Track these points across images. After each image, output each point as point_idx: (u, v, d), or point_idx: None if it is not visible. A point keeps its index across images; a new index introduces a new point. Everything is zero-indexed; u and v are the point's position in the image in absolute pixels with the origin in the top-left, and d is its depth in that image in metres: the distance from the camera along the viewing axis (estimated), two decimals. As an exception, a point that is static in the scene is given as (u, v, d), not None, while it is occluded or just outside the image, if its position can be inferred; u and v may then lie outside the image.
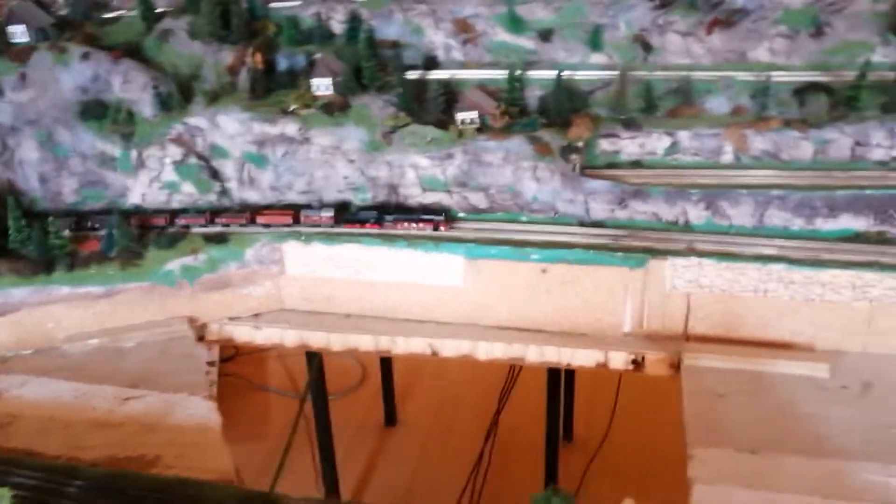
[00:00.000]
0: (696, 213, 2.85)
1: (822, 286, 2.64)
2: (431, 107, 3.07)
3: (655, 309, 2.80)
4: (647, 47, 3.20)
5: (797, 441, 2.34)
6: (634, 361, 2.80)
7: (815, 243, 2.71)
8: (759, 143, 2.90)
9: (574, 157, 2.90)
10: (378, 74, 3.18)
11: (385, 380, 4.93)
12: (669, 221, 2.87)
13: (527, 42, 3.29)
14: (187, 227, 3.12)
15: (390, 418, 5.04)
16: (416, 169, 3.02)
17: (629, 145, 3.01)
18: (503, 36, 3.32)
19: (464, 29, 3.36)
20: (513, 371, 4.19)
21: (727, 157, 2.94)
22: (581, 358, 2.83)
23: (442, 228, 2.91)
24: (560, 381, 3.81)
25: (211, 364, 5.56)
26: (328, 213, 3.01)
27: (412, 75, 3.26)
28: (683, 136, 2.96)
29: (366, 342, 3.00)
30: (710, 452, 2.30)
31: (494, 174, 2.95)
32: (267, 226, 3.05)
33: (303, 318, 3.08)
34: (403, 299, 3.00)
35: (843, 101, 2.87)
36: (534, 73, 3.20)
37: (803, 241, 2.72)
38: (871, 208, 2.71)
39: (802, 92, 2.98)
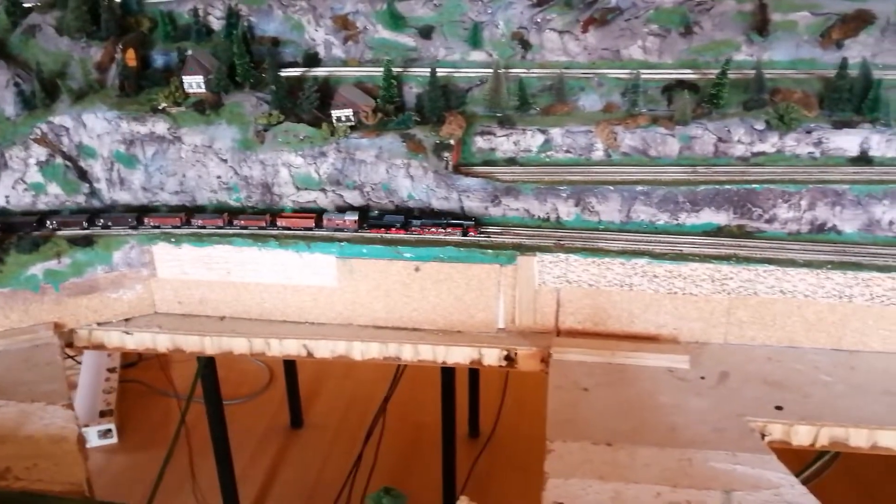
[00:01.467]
0: (566, 210, 2.89)
1: (684, 279, 2.71)
2: (305, 104, 3.03)
3: (526, 305, 2.82)
4: (526, 45, 3.23)
5: (652, 432, 2.38)
6: (507, 357, 2.82)
7: (677, 237, 2.78)
8: (628, 139, 2.95)
9: (446, 154, 2.90)
10: (252, 71, 3.12)
11: (290, 381, 4.87)
12: (541, 218, 2.90)
13: (407, 39, 3.27)
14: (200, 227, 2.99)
15: (296, 420, 4.98)
16: (290, 167, 2.97)
17: (504, 143, 3.02)
18: (384, 33, 3.30)
19: (344, 26, 3.33)
20: (398, 369, 4.18)
21: (598, 153, 2.99)
22: (456, 355, 2.84)
23: (471, 233, 2.84)
24: (453, 376, 3.81)
25: (111, 371, 5.43)
26: (352, 217, 2.90)
27: (293, 72, 3.23)
28: (556, 133, 2.99)
29: (240, 345, 2.94)
30: (567, 446, 2.33)
31: (368, 172, 2.93)
32: (288, 228, 2.93)
33: (176, 321, 3.00)
34: (278, 300, 2.96)
35: (706, 98, 2.95)
36: (413, 71, 3.20)
37: (667, 235, 2.79)
38: (730, 203, 2.78)
39: (671, 89, 3.05)
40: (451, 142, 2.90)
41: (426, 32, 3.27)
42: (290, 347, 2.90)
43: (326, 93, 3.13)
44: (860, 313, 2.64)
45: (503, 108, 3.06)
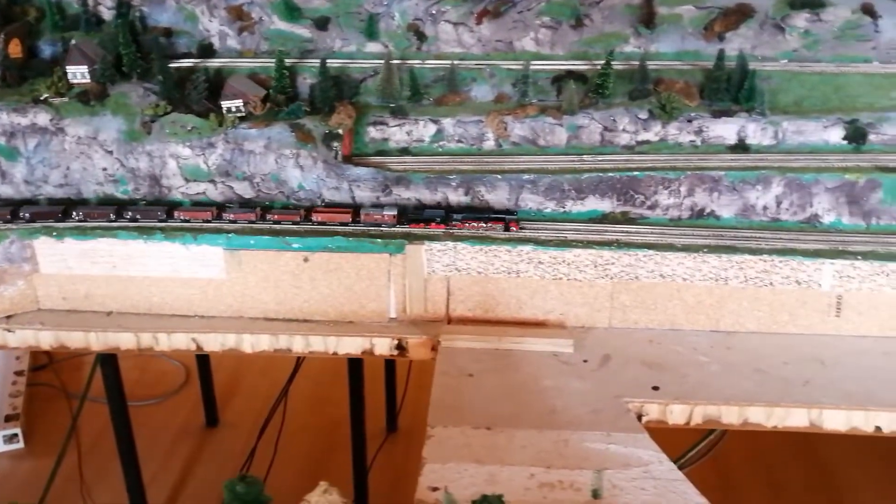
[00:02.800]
0: (456, 198, 2.91)
1: (568, 265, 2.76)
2: (193, 95, 2.99)
3: (417, 294, 2.83)
4: (421, 36, 3.24)
5: (532, 415, 2.42)
6: (399, 346, 2.82)
7: (562, 225, 2.83)
8: (517, 129, 2.99)
9: (336, 144, 2.89)
10: (139, 62, 3.06)
11: (204, 379, 4.79)
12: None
13: (303, 30, 3.26)
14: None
15: (212, 419, 4.91)
16: (178, 159, 2.92)
17: (397, 133, 3.03)
18: (279, 24, 3.27)
19: (239, 16, 3.29)
20: (298, 361, 4.15)
21: (489, 143, 3.02)
22: (347, 346, 2.83)
23: (513, 228, 2.78)
24: (361, 368, 3.80)
25: (18, 374, 5.25)
26: (391, 212, 2.82)
27: (186, 63, 3.17)
28: (448, 123, 3.01)
29: (127, 340, 2.87)
30: (447, 431, 2.35)
31: (257, 163, 2.90)
32: (322, 223, 2.84)
33: (60, 317, 2.92)
34: (166, 294, 2.90)
35: (593, 88, 3.01)
36: (308, 62, 3.18)
37: (553, 222, 2.84)
38: (614, 190, 2.85)
39: (560, 80, 3.10)
40: (340, 131, 2.90)
41: (322, 23, 3.25)
42: (179, 341, 2.85)
43: (220, 84, 3.09)
44: (736, 295, 2.74)
45: (396, 99, 3.07)
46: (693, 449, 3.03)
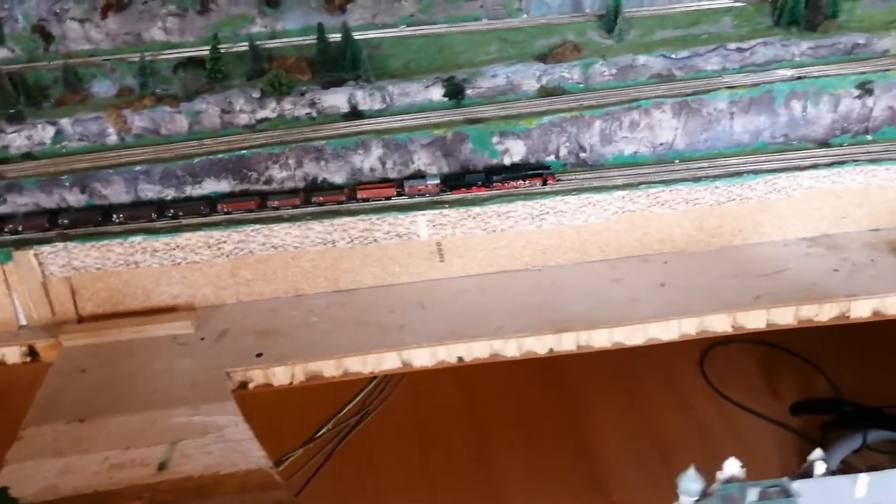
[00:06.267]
0: (74, 198, 2.91)
1: (183, 250, 2.83)
2: None
3: (38, 298, 2.83)
4: (48, 37, 3.21)
5: (131, 400, 2.48)
6: (31, 353, 2.82)
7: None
8: (138, 121, 3.02)
9: (-69, 159, 2.84)
10: None
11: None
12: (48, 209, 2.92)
13: (-86, 42, 3.16)
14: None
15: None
16: None
17: (17, 139, 3.00)
18: None
19: None
20: None
21: (112, 138, 3.03)
22: (-24, 359, 2.81)
23: (550, 181, 2.88)
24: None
25: None
26: (434, 181, 2.86)
27: None
28: (66, 123, 3.00)
29: None
30: (39, 430, 2.38)
31: None
32: (366, 200, 2.85)
33: None
34: None
35: (209, 73, 3.07)
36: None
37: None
38: (227, 170, 2.93)
39: (182, 67, 3.14)
40: (-70, 145, 2.84)
41: (-62, 34, 3.16)
42: None
43: None
44: (347, 255, 2.88)
45: (13, 105, 3.03)
46: (357, 396, 3.17)
